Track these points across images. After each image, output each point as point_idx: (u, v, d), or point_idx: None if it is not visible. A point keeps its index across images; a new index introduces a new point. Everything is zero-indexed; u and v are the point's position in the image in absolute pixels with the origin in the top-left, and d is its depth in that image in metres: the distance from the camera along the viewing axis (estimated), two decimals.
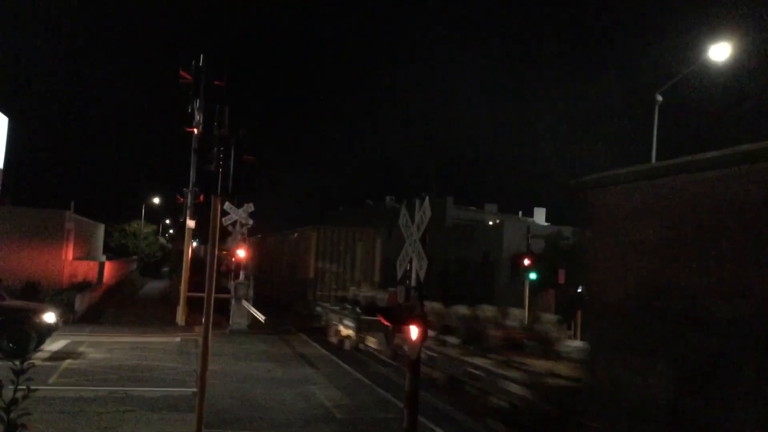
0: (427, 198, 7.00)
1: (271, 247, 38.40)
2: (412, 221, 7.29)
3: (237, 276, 24.84)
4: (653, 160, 22.76)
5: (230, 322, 23.71)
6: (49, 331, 17.26)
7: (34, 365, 4.32)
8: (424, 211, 7.08)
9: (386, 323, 6.84)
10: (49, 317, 17.28)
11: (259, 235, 41.17)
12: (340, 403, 13.24)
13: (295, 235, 31.36)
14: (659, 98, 24.30)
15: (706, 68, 23.00)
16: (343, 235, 27.44)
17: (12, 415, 3.77)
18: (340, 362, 18.34)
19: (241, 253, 24.33)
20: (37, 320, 17.02)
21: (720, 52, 21.60)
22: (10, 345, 16.29)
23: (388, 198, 65.61)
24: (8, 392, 3.87)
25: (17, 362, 4.13)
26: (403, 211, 7.78)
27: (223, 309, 23.75)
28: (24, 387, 3.96)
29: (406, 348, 7.16)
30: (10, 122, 30.46)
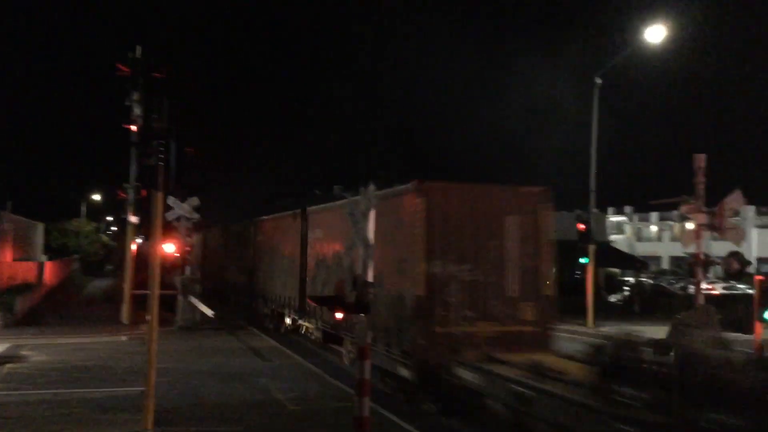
0: (371, 186, 7.01)
1: (224, 240, 37.47)
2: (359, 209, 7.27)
3: (183, 271, 24.44)
4: (594, 140, 23.28)
5: (178, 319, 23.34)
6: None
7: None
8: (369, 198, 7.09)
9: (336, 312, 6.83)
10: None
11: (211, 227, 40.46)
12: (292, 395, 13.20)
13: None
14: (599, 81, 24.83)
15: (646, 50, 23.54)
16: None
17: None
18: (291, 354, 18.27)
19: (170, 248, 23.42)
20: None
21: (655, 33, 22.19)
22: None
23: (335, 187, 65.34)
24: None
25: None
26: (349, 199, 7.78)
27: (170, 306, 23.35)
28: None
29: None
30: None
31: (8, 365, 15.67)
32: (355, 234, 7.20)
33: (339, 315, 6.83)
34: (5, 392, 12.85)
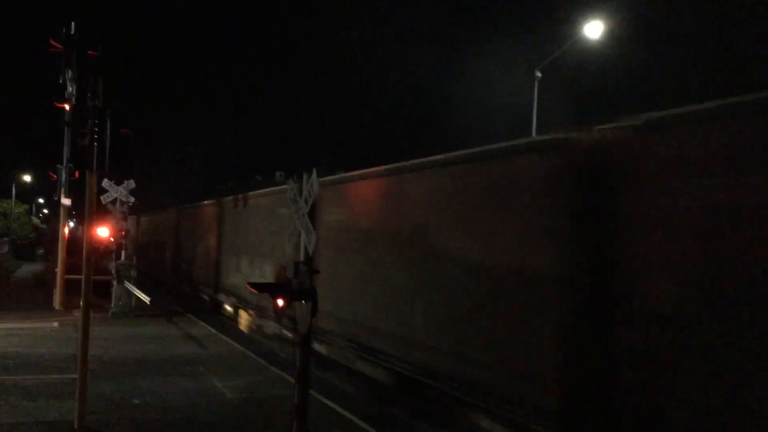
0: (314, 171, 6.93)
1: (166, 224, 36.63)
2: (300, 195, 7.20)
3: (118, 256, 23.81)
4: (533, 134, 23.67)
5: (113, 305, 22.75)
6: None
7: None
8: (311, 184, 7.01)
9: (276, 299, 6.75)
10: None
11: (152, 212, 39.54)
12: (232, 383, 13.04)
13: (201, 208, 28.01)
14: (538, 74, 25.23)
15: (584, 44, 24.04)
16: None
17: None
18: (230, 341, 18.05)
19: (104, 232, 22.87)
20: None
21: (594, 29, 22.67)
22: None
23: (277, 173, 64.80)
24: None
25: None
26: (291, 185, 7.68)
27: (104, 291, 22.74)
28: None
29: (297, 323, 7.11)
30: None
31: None
32: (296, 220, 7.12)
33: (280, 302, 6.74)
34: None
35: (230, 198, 22.42)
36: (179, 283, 29.14)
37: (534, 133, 23.54)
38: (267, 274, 17.11)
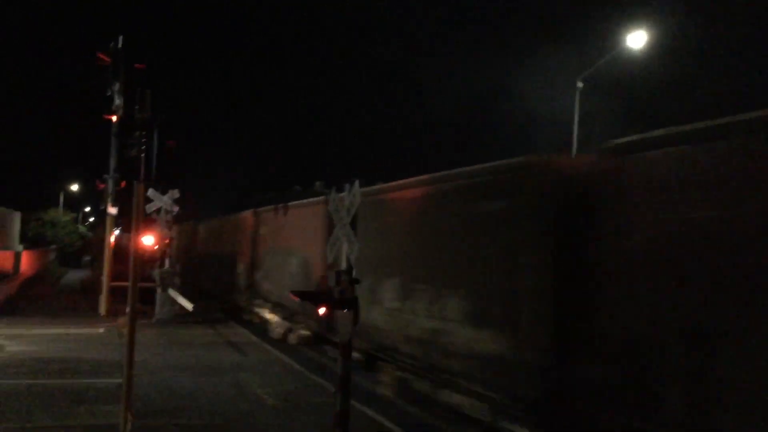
0: (356, 182, 7.02)
1: (208, 232, 37.19)
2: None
3: (162, 264, 24.28)
4: (574, 145, 23.49)
5: (156, 311, 23.19)
6: None
7: None
8: (354, 194, 7.10)
9: (318, 307, 6.84)
10: None
11: (192, 221, 40.19)
12: (271, 389, 13.18)
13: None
14: (580, 85, 25.03)
15: (627, 54, 23.80)
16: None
17: None
18: (270, 348, 18.24)
19: (149, 240, 23.43)
20: None
21: (637, 39, 22.43)
22: None
23: (317, 183, 65.31)
24: None
25: None
26: (334, 195, 7.79)
27: (148, 298, 23.21)
28: None
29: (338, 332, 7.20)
30: None
31: None
32: (338, 229, 7.21)
33: (322, 310, 6.83)
34: None
35: (271, 207, 22.69)
36: (221, 290, 29.54)
37: (575, 144, 23.36)
38: (311, 282, 17.26)
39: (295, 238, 19.26)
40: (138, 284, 10.40)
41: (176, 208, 23.96)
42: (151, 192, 22.92)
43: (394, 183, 13.46)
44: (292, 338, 18.97)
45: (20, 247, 41.53)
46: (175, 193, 23.73)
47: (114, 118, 23.42)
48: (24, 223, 50.52)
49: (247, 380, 14.03)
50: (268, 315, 21.80)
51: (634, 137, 7.76)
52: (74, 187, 67.13)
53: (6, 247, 37.43)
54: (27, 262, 38.13)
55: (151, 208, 23.28)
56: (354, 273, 6.92)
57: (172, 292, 23.37)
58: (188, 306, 22.24)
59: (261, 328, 21.70)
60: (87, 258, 60.84)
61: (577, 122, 23.78)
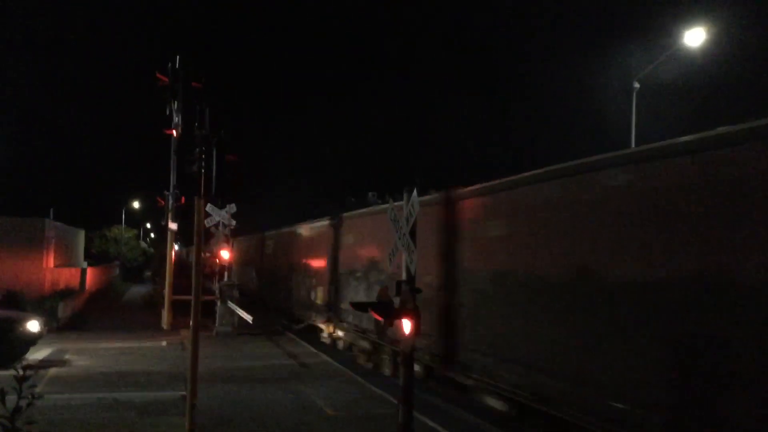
0: (415, 191, 6.98)
1: (262, 246, 37.50)
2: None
3: (222, 277, 24.70)
4: (632, 145, 22.96)
5: (216, 324, 23.57)
6: (33, 339, 17.05)
7: (34, 372, 4.30)
8: (412, 204, 7.06)
9: (378, 318, 6.81)
10: (33, 326, 17.06)
11: (249, 234, 40.68)
12: (332, 401, 13.20)
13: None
14: (636, 85, 24.49)
15: (684, 53, 23.21)
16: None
17: (18, 423, 3.70)
18: (328, 359, 18.30)
19: (225, 254, 24.16)
20: (21, 329, 16.81)
21: (695, 37, 21.82)
22: None
23: (370, 194, 65.48)
24: (10, 401, 3.80)
25: (19, 369, 4.06)
26: (392, 205, 7.77)
27: (209, 311, 23.61)
28: (28, 396, 3.89)
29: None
30: None
31: (53, 369, 15.96)
32: (397, 239, 7.17)
33: (382, 321, 6.79)
34: (50, 395, 13.07)
35: (325, 220, 22.77)
36: (279, 303, 29.82)
37: (633, 144, 22.91)
38: (369, 293, 17.17)
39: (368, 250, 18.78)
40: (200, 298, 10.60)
41: (233, 223, 24.36)
42: (209, 207, 23.36)
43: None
44: (354, 350, 18.98)
45: (85, 264, 42.82)
46: (233, 208, 24.14)
47: (174, 135, 24.06)
48: (88, 240, 52.12)
49: (308, 391, 14.09)
50: (328, 327, 21.89)
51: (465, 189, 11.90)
52: (136, 204, 69.02)
53: (72, 264, 38.65)
54: (92, 278, 39.29)
55: (209, 222, 23.72)
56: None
57: (232, 305, 23.72)
58: (248, 318, 22.54)
59: (320, 340, 21.79)
60: (149, 273, 62.42)
61: (634, 123, 23.27)
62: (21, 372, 4.03)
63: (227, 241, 24.42)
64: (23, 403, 3.75)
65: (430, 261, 11.97)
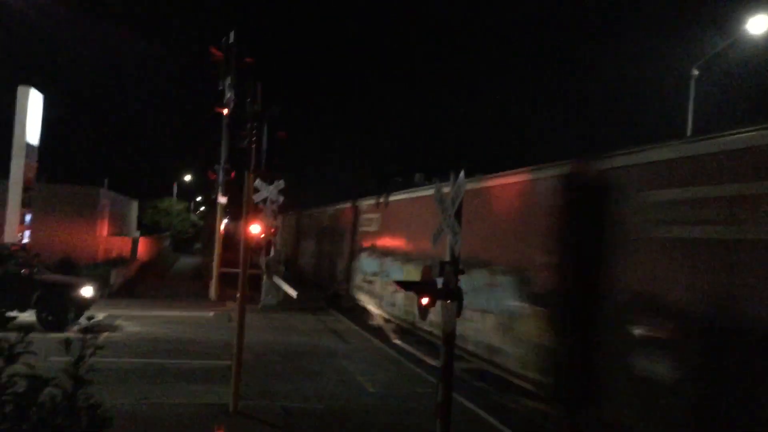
0: (462, 172, 6.98)
1: (310, 223, 37.73)
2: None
3: (268, 252, 25.05)
4: (689, 133, 22.40)
5: (262, 298, 23.98)
6: (87, 304, 17.62)
7: (99, 323, 4.52)
8: (458, 185, 7.06)
9: (421, 297, 6.86)
10: (87, 291, 17.64)
11: (297, 210, 41.08)
12: (373, 378, 13.36)
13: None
14: (695, 72, 23.81)
15: (746, 41, 22.49)
16: None
17: (80, 371, 3.92)
18: (371, 337, 18.48)
19: (256, 228, 23.97)
20: (75, 294, 17.39)
21: (758, 25, 21.08)
22: (49, 318, 16.70)
23: (417, 175, 65.30)
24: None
25: (86, 319, 4.29)
26: (438, 186, 7.78)
27: (255, 285, 24.01)
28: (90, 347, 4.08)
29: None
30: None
31: (105, 334, 16.50)
32: (443, 220, 7.20)
33: (425, 300, 6.84)
34: (101, 359, 13.49)
35: (372, 198, 22.86)
36: (324, 280, 30.15)
37: (689, 132, 22.36)
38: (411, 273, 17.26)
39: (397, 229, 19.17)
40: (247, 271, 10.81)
41: (281, 198, 24.62)
42: (257, 182, 23.64)
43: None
44: (390, 327, 19.12)
45: (137, 234, 43.93)
46: (281, 184, 24.38)
47: (225, 111, 24.40)
48: (141, 211, 53.41)
49: (348, 367, 14.28)
50: (369, 305, 22.07)
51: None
52: (187, 178, 70.36)
53: (125, 233, 39.71)
54: (143, 247, 40.30)
55: (258, 198, 24.02)
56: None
57: (277, 280, 24.07)
58: (292, 293, 22.85)
59: (361, 317, 22.00)
60: (198, 245, 63.73)
61: (691, 111, 22.70)
62: (87, 321, 4.26)
63: (274, 217, 24.71)
64: (87, 352, 3.94)
65: None
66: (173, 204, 66.05)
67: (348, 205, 26.46)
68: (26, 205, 21.55)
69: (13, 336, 3.82)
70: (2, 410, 3.57)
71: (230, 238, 32.35)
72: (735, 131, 7.11)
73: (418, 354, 16.03)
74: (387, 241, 20.25)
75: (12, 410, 3.60)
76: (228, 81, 23.12)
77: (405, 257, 17.99)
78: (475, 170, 14.55)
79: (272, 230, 24.71)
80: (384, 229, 20.67)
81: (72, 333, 3.79)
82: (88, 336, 3.92)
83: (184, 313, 21.31)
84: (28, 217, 22.06)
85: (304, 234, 37.28)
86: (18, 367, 3.80)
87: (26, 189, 21.54)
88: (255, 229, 23.74)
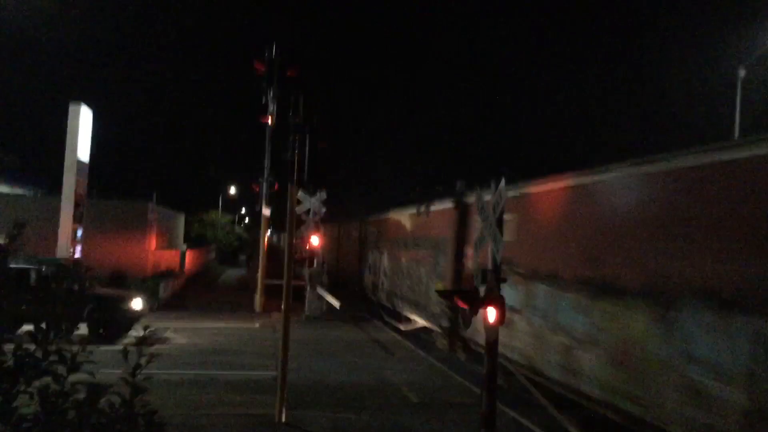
0: (503, 180, 7.01)
1: (352, 233, 38.06)
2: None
3: (311, 264, 25.31)
4: (736, 135, 21.95)
5: (306, 309, 24.21)
6: (137, 317, 18.05)
7: (154, 332, 4.65)
8: (500, 193, 7.09)
9: (463, 306, 6.89)
10: (137, 304, 18.08)
11: (339, 221, 41.36)
12: (415, 387, 13.39)
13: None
14: (742, 72, 23.34)
15: None
16: None
17: (137, 378, 4.10)
18: (413, 347, 18.50)
19: (315, 241, 24.74)
20: (126, 307, 17.84)
21: None
22: (101, 331, 17.15)
23: (458, 183, 65.12)
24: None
25: (143, 329, 4.44)
26: (479, 193, 7.82)
27: (298, 296, 24.25)
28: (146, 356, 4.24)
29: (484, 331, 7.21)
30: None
31: (154, 346, 16.82)
32: (484, 229, 7.23)
33: (467, 309, 6.88)
34: (151, 371, 13.81)
35: (414, 208, 22.89)
36: (367, 291, 30.26)
37: (737, 134, 21.91)
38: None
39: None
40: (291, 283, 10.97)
41: (323, 209, 24.89)
42: (300, 194, 23.94)
43: None
44: (436, 337, 19.11)
45: (184, 247, 44.71)
46: (323, 195, 24.66)
47: (269, 123, 24.80)
48: (187, 224, 54.34)
49: (392, 377, 14.33)
50: (412, 315, 22.08)
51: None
52: (232, 190, 71.39)
53: (172, 247, 40.46)
54: (190, 260, 41.00)
55: (301, 209, 24.32)
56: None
57: (321, 291, 24.27)
58: (336, 304, 23.02)
59: (404, 327, 22.00)
60: (243, 257, 64.50)
61: (738, 111, 22.24)
62: (144, 330, 4.42)
63: (317, 228, 24.97)
64: (143, 360, 4.12)
65: None
66: (219, 216, 67.06)
67: (390, 215, 26.56)
68: (77, 220, 22.16)
69: (75, 347, 4.01)
70: (64, 416, 3.75)
71: (274, 249, 32.76)
72: None
73: (465, 363, 15.98)
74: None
75: (73, 416, 3.77)
76: (271, 93, 23.57)
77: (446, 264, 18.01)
78: (515, 177, 14.48)
79: (315, 245, 25.05)
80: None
81: (123, 345, 3.96)
82: (144, 345, 4.08)
83: (231, 325, 21.64)
84: (79, 232, 22.68)
85: (348, 244, 37.45)
86: (79, 376, 3.98)
87: (77, 204, 22.15)
88: (314, 241, 24.34)
